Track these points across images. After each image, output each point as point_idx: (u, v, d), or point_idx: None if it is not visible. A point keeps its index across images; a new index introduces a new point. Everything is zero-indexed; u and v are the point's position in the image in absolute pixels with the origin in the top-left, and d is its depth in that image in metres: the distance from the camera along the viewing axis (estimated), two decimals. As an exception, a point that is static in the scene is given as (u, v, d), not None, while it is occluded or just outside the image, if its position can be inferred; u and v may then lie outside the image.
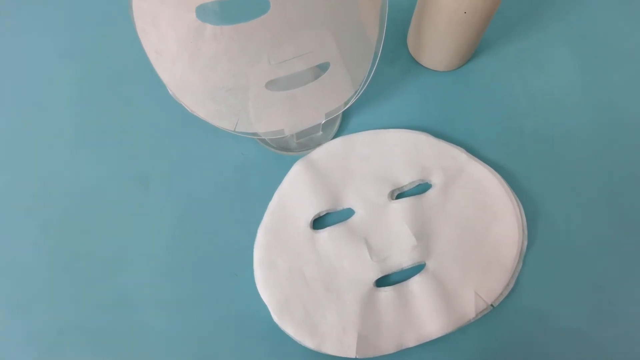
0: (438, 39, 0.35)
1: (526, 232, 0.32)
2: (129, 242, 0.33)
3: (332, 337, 0.29)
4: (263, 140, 0.36)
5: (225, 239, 0.33)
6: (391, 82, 0.38)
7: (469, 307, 0.30)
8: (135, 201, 0.34)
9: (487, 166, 0.34)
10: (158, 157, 0.36)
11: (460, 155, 0.34)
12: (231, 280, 0.32)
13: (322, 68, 0.30)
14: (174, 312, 0.31)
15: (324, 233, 0.32)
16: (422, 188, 0.34)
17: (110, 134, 0.37)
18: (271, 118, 0.31)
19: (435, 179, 0.33)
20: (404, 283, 0.31)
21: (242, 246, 0.32)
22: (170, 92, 0.29)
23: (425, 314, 0.30)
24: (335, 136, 0.36)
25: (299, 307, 0.30)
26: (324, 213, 0.33)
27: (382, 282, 0.31)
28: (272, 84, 0.29)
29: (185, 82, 0.28)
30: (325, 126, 0.35)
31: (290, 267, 0.31)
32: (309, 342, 0.29)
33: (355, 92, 0.33)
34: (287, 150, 0.35)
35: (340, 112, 0.33)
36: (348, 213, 0.33)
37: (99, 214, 0.34)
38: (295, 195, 0.33)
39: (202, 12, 0.24)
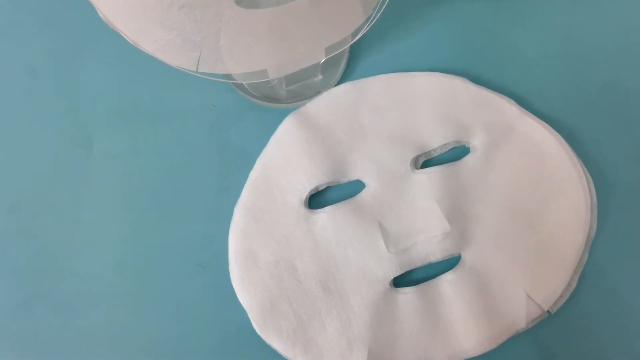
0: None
1: (596, 212, 0.26)
2: (64, 224, 0.27)
3: (332, 354, 0.24)
4: (240, 87, 0.29)
5: (191, 221, 0.27)
6: (416, 8, 0.31)
7: (519, 314, 0.24)
8: (73, 169, 0.28)
9: (545, 124, 0.27)
10: (102, 110, 0.29)
11: (509, 109, 0.27)
12: (198, 276, 0.26)
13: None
14: (123, 315, 0.26)
15: (323, 214, 0.25)
16: (457, 153, 0.27)
17: (37, 78, 0.30)
18: (249, 53, 0.24)
19: (476, 141, 0.27)
20: (432, 282, 0.25)
21: (214, 231, 0.26)
22: (101, 15, 0.22)
23: (460, 324, 0.24)
24: (340, 82, 0.29)
25: (289, 314, 0.24)
26: (324, 186, 0.26)
27: (401, 280, 0.26)
28: (249, 1, 0.22)
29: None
30: (326, 68, 0.29)
31: (277, 259, 0.25)
32: None
33: (368, 19, 0.25)
34: (273, 100, 0.28)
35: (347, 47, 0.26)
36: (356, 187, 0.27)
37: (25, 186, 0.28)
38: (285, 162, 0.26)
39: None
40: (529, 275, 0.24)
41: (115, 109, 0.29)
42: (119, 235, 0.27)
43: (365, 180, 0.26)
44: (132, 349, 0.25)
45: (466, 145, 0.27)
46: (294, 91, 0.29)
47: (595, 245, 0.26)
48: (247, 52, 0.24)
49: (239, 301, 0.25)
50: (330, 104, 0.27)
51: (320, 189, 0.27)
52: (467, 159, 0.27)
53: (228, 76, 0.27)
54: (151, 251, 0.27)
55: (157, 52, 0.24)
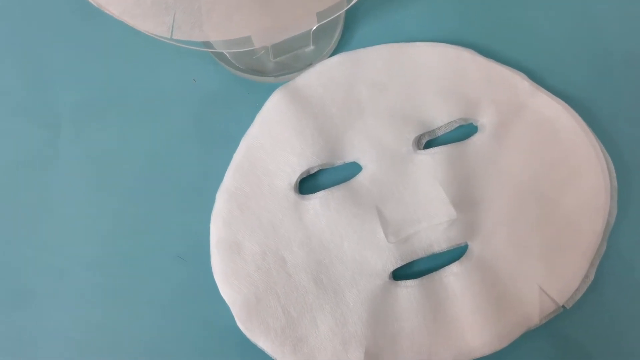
0: None
1: (616, 197, 0.24)
2: (32, 215, 0.25)
3: (325, 355, 0.22)
4: (223, 59, 0.26)
5: (170, 209, 0.25)
6: (419, -29, 0.29)
7: (531, 309, 0.22)
8: (40, 155, 0.26)
9: (560, 100, 0.25)
10: (71, 90, 0.27)
11: (521, 84, 0.25)
12: (178, 269, 0.24)
13: None
14: (95, 312, 0.24)
15: (315, 200, 0.23)
16: (463, 132, 0.25)
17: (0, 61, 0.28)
18: (230, 18, 0.22)
19: (484, 119, 0.25)
20: (435, 275, 0.23)
21: (194, 219, 0.24)
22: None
23: (467, 321, 0.22)
24: (334, 53, 0.27)
25: (277, 310, 0.22)
26: (316, 169, 0.24)
27: (402, 273, 0.24)
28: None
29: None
30: (319, 36, 0.26)
31: (264, 250, 0.23)
32: None
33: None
34: (260, 74, 0.26)
35: (342, 13, 0.24)
36: (352, 169, 0.24)
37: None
38: (273, 142, 0.24)
39: None
40: (543, 267, 0.23)
41: (85, 88, 0.27)
42: (91, 226, 0.25)
43: (362, 162, 0.24)
44: (105, 348, 0.23)
45: (474, 124, 0.25)
46: (282, 63, 0.26)
47: (614, 233, 0.24)
48: (227, 17, 0.22)
49: (221, 297, 0.23)
50: (323, 77, 0.25)
51: (312, 172, 0.24)
52: (475, 138, 0.25)
53: (207, 45, 0.25)
54: (126, 243, 0.25)
55: (124, 15, 0.21)
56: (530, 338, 0.23)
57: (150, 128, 0.26)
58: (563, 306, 0.23)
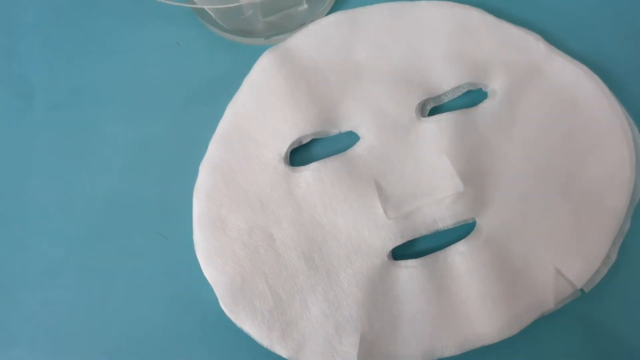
0: None
1: None
2: (1, 189, 0.23)
3: (317, 341, 0.20)
4: (207, 19, 0.24)
5: (149, 181, 0.23)
6: None
7: (546, 293, 0.20)
8: (11, 124, 0.24)
9: (580, 64, 0.23)
10: (44, 52, 0.25)
11: (535, 46, 0.23)
12: (158, 247, 0.23)
13: None
14: (69, 293, 0.22)
15: (307, 172, 0.21)
16: (472, 98, 0.23)
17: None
18: None
19: (495, 84, 0.23)
20: (440, 254, 0.21)
21: (175, 193, 0.23)
22: None
23: (474, 305, 0.20)
24: (330, 12, 0.25)
25: (264, 292, 0.20)
26: (309, 139, 0.23)
27: (402, 252, 0.22)
28: None
29: None
30: None
31: (251, 227, 0.21)
32: (279, 348, 0.20)
33: None
34: (248, 35, 0.24)
35: None
36: (348, 139, 0.23)
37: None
38: (261, 109, 0.22)
39: None
40: (559, 246, 0.21)
41: (60, 50, 0.25)
42: (64, 199, 0.23)
43: (360, 131, 0.22)
44: (78, 332, 0.22)
45: (483, 89, 0.23)
46: (272, 23, 0.24)
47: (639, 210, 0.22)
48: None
49: (205, 277, 0.21)
50: (318, 38, 0.23)
51: (305, 142, 0.23)
52: (485, 105, 0.23)
53: (191, 2, 0.23)
54: (102, 217, 0.23)
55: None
56: (543, 324, 0.21)
57: (129, 94, 0.24)
58: (581, 290, 0.21)
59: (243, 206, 0.21)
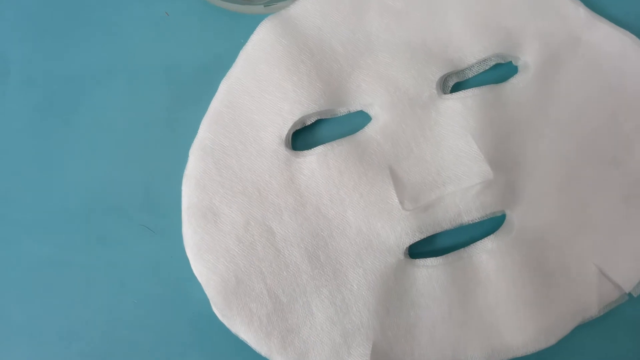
0: None
1: None
2: None
3: (322, 351, 0.18)
4: None
5: (133, 167, 0.21)
6: None
7: (588, 297, 0.18)
8: None
9: (627, 32, 0.20)
10: (20, 23, 0.23)
11: (574, 12, 0.20)
12: (143, 242, 0.21)
13: None
14: (45, 293, 0.21)
15: (312, 157, 0.19)
16: (501, 73, 0.21)
17: None
18: None
19: (528, 56, 0.20)
20: (464, 252, 0.20)
21: (163, 181, 0.21)
22: None
23: (504, 311, 0.18)
24: None
25: (262, 294, 0.18)
26: (313, 119, 0.20)
27: (421, 249, 0.20)
28: None
29: None
30: None
31: (247, 219, 0.19)
32: (279, 358, 0.18)
33: None
34: (245, 2, 0.21)
35: None
36: (359, 119, 0.21)
37: None
38: (259, 85, 0.20)
39: None
40: (603, 243, 0.19)
41: (38, 23, 0.23)
42: (40, 187, 0.21)
43: (371, 110, 0.20)
44: (56, 333, 0.20)
45: (514, 63, 0.21)
46: (272, -12, 0.22)
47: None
48: None
49: (195, 276, 0.19)
50: (324, 3, 0.20)
51: (309, 122, 0.21)
52: (516, 80, 0.20)
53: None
54: (81, 207, 0.21)
55: None
56: (584, 333, 0.19)
57: (111, 69, 0.22)
58: (629, 293, 0.19)
59: (238, 196, 0.19)
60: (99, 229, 0.21)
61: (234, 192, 0.19)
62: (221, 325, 0.19)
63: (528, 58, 0.20)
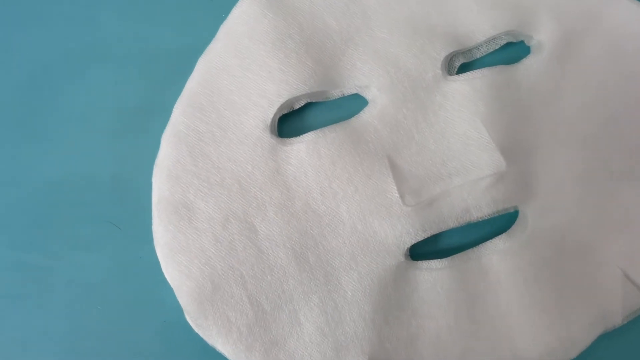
0: None
1: None
2: None
3: None
4: None
5: (98, 157, 0.19)
6: None
7: (611, 302, 0.16)
8: None
9: None
10: None
11: None
12: (110, 240, 0.19)
13: None
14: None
15: (301, 145, 0.17)
16: (512, 53, 0.19)
17: None
18: None
19: (542, 34, 0.19)
20: (472, 253, 0.18)
21: (131, 172, 0.19)
22: None
23: (518, 320, 0.16)
24: None
25: (242, 301, 0.16)
26: (303, 102, 0.18)
27: (424, 250, 0.18)
28: None
29: None
30: None
31: (226, 215, 0.17)
32: None
33: None
34: None
35: None
36: (354, 103, 0.19)
37: None
38: (242, 63, 0.18)
39: None
40: (629, 243, 0.17)
41: (3, 4, 0.20)
42: None
43: (368, 92, 0.18)
44: (11, 344, 0.18)
45: (526, 42, 0.19)
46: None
47: None
48: None
49: (166, 279, 0.17)
50: None
51: (297, 106, 0.19)
52: (529, 61, 0.18)
53: None
54: (41, 202, 0.19)
55: None
56: (607, 344, 0.17)
57: (77, 51, 0.20)
58: None
59: (216, 188, 0.17)
60: (59, 226, 0.19)
61: (210, 185, 0.17)
62: (196, 336, 0.17)
63: (542, 37, 0.19)
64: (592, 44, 0.18)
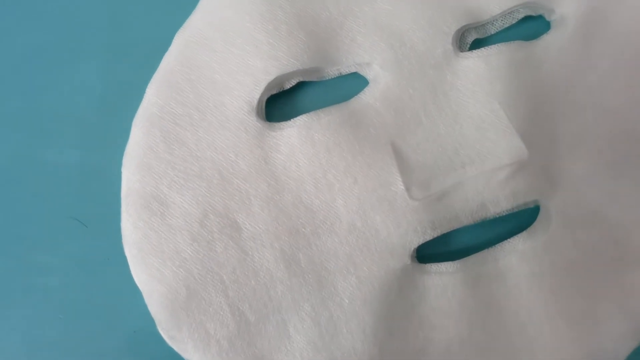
0: None
1: None
2: None
3: None
4: None
5: (63, 145, 0.18)
6: None
7: None
8: None
9: None
10: None
11: None
12: (75, 238, 0.17)
13: None
14: None
15: (292, 130, 0.16)
16: (530, 28, 0.18)
17: None
18: None
19: (564, 7, 0.17)
20: (489, 254, 0.16)
21: (99, 162, 0.17)
22: None
23: (541, 330, 0.15)
24: None
25: (222, 310, 0.14)
26: (294, 81, 0.17)
27: (433, 250, 0.17)
28: None
29: None
30: None
31: (204, 210, 0.15)
32: None
33: None
34: None
35: None
36: (352, 83, 0.17)
37: None
38: (224, 37, 0.16)
39: None
40: None
41: None
42: None
43: (369, 70, 0.17)
44: None
45: (546, 17, 0.17)
46: None
47: None
48: None
49: (136, 284, 0.15)
50: None
51: (288, 86, 0.17)
52: (549, 38, 0.17)
53: None
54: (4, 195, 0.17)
55: None
56: None
57: (43, 28, 0.18)
58: None
59: (193, 180, 0.15)
60: (16, 223, 0.17)
61: (187, 175, 0.15)
62: (171, 348, 0.15)
63: (565, 10, 0.17)
64: (621, 18, 0.17)
